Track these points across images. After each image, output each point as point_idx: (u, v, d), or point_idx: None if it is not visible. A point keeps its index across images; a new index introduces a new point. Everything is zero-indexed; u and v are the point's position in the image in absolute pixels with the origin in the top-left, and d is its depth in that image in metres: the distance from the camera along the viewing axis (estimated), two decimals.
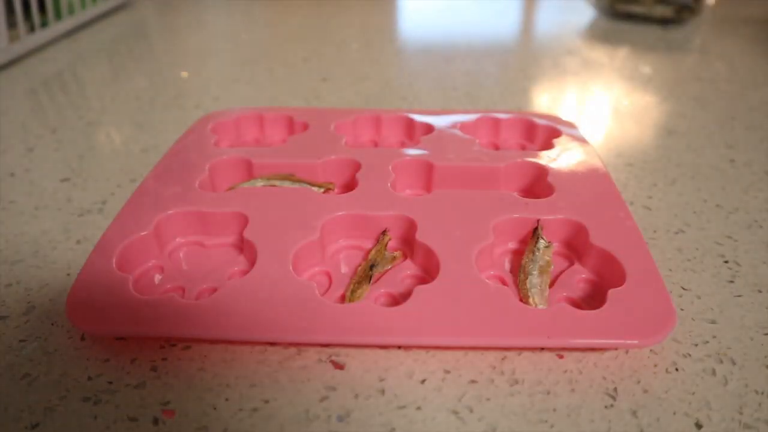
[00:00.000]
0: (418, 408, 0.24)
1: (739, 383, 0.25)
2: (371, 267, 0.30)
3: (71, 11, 0.75)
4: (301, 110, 0.46)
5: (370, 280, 0.29)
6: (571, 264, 0.31)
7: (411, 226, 0.32)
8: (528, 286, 0.29)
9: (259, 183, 0.37)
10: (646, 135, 0.49)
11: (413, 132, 0.44)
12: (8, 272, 0.32)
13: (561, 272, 0.31)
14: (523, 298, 0.29)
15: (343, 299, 0.29)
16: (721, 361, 0.26)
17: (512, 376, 0.25)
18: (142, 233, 0.31)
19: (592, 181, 0.36)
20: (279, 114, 0.46)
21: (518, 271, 0.30)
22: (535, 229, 0.32)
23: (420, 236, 0.31)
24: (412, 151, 0.39)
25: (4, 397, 0.24)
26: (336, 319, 0.26)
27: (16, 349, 0.27)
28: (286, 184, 0.37)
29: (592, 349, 0.27)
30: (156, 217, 0.32)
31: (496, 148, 0.44)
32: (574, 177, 0.36)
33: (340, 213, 0.32)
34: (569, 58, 0.69)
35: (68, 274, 0.32)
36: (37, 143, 0.47)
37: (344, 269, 0.31)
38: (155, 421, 0.23)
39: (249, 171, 0.38)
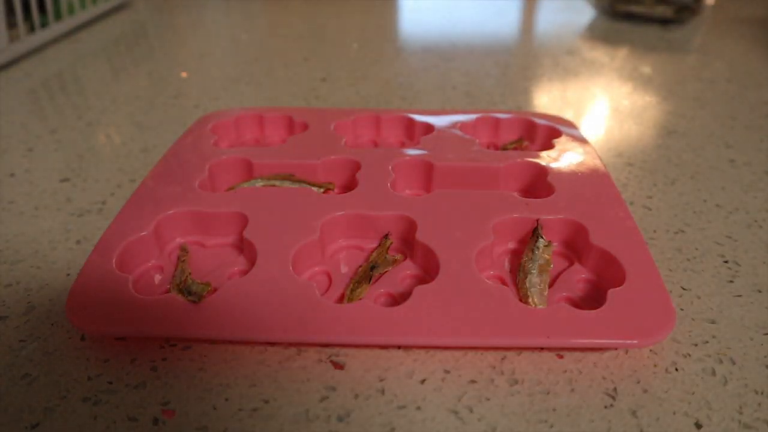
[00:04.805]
0: (418, 408, 0.24)
1: (738, 383, 0.25)
2: (372, 268, 0.30)
3: (71, 11, 0.75)
4: (300, 110, 0.46)
5: (370, 280, 0.29)
6: (571, 264, 0.31)
7: (411, 226, 0.32)
8: (527, 285, 0.29)
9: (259, 183, 0.37)
10: (646, 135, 0.49)
11: (413, 132, 0.44)
12: (8, 272, 0.32)
13: (561, 272, 0.31)
14: (523, 298, 0.28)
15: (342, 299, 0.29)
16: (721, 361, 0.26)
17: (512, 376, 0.25)
18: (142, 233, 0.31)
19: (592, 181, 0.36)
20: (279, 114, 0.46)
21: (518, 270, 0.30)
22: (535, 228, 0.32)
23: (420, 236, 0.31)
24: (412, 151, 0.39)
25: (4, 397, 0.24)
26: (336, 319, 0.26)
27: (16, 349, 0.27)
28: (286, 184, 0.37)
29: (592, 349, 0.27)
30: (156, 217, 0.32)
31: (496, 148, 0.44)
32: (574, 177, 0.36)
33: (340, 213, 0.32)
34: (569, 58, 0.69)
35: (68, 275, 0.32)
36: (36, 143, 0.47)
37: (344, 269, 0.31)
38: (155, 421, 0.23)
39: (249, 171, 0.38)
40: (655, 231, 0.36)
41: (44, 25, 0.70)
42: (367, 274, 0.30)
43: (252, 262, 0.29)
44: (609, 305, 0.26)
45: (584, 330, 0.25)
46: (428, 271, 0.30)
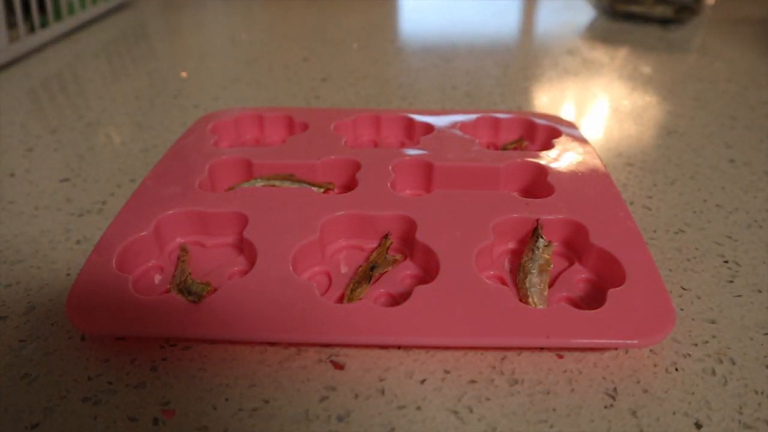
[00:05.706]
0: (418, 408, 0.24)
1: (738, 383, 0.25)
2: (372, 268, 0.30)
3: (71, 11, 0.75)
4: (300, 110, 0.46)
5: (370, 280, 0.29)
6: (571, 264, 0.31)
7: (411, 226, 0.32)
8: (527, 285, 0.29)
9: (259, 183, 0.37)
10: (646, 135, 0.49)
11: (413, 132, 0.44)
12: (8, 272, 0.32)
13: (561, 272, 0.31)
14: (523, 298, 0.28)
15: (342, 299, 0.29)
16: (721, 361, 0.26)
17: (512, 376, 0.25)
18: (142, 233, 0.31)
19: (592, 181, 0.36)
20: (279, 114, 0.46)
21: (518, 270, 0.30)
22: (535, 228, 0.32)
23: (420, 236, 0.31)
24: (412, 151, 0.39)
25: (4, 397, 0.24)
26: (336, 319, 0.26)
27: (16, 349, 0.27)
28: (286, 184, 0.37)
29: (592, 349, 0.27)
30: (156, 217, 0.32)
31: (496, 148, 0.44)
32: (574, 177, 0.36)
33: (340, 213, 0.32)
34: (569, 58, 0.69)
35: (68, 275, 0.32)
36: (36, 143, 0.47)
37: (344, 269, 0.31)
38: (155, 421, 0.23)
39: (249, 171, 0.38)
40: (655, 231, 0.36)
41: (44, 25, 0.70)
42: (367, 274, 0.30)
43: (252, 262, 0.29)
44: (609, 305, 0.26)
45: (584, 330, 0.25)
46: (428, 271, 0.30)
